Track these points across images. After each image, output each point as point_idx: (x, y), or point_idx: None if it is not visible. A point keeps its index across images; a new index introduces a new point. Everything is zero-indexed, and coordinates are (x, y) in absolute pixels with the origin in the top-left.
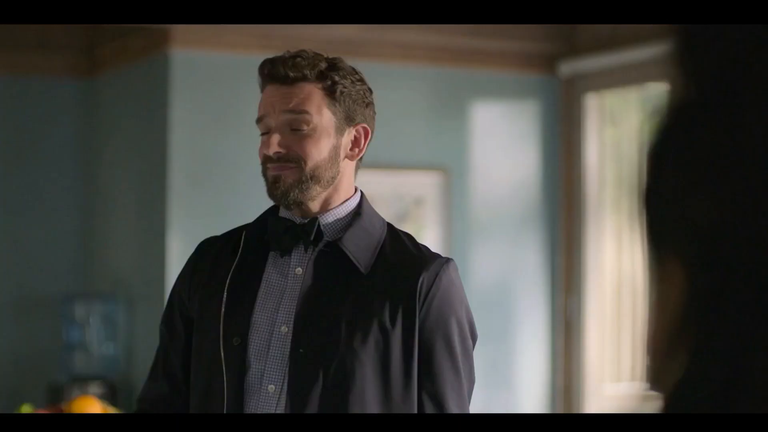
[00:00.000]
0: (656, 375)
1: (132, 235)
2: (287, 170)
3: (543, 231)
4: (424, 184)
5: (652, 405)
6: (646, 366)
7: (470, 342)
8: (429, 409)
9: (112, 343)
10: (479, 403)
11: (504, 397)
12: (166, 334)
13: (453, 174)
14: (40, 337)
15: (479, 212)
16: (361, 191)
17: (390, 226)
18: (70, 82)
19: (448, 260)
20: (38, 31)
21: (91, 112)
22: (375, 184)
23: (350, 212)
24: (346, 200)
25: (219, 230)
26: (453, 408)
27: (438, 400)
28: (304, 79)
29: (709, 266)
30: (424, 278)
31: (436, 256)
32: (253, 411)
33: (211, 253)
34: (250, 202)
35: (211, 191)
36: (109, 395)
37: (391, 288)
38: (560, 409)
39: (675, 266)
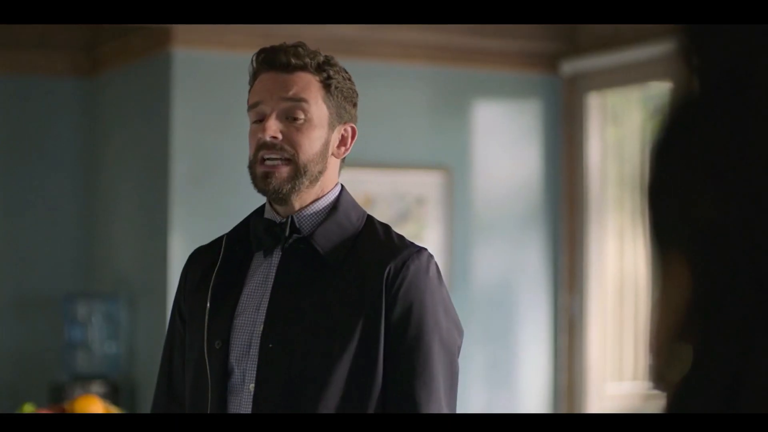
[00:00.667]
0: (659, 374)
1: (134, 235)
2: (281, 167)
3: (545, 230)
4: (425, 184)
5: (655, 404)
6: (649, 365)
7: (448, 334)
8: (395, 402)
9: (114, 343)
10: (480, 403)
11: (506, 396)
12: (169, 344)
13: (455, 173)
14: (42, 337)
15: (481, 211)
16: (342, 185)
17: (369, 218)
18: (72, 82)
19: (420, 249)
20: (40, 31)
21: (92, 111)
22: (376, 183)
23: (327, 207)
24: (324, 195)
25: (221, 230)
26: (422, 401)
27: (405, 393)
28: (304, 68)
29: (713, 264)
30: (391, 267)
31: (408, 245)
32: (235, 410)
33: (200, 261)
34: (252, 202)
35: (212, 190)
36: (111, 394)
37: (360, 280)
38: (562, 409)
39: (679, 264)
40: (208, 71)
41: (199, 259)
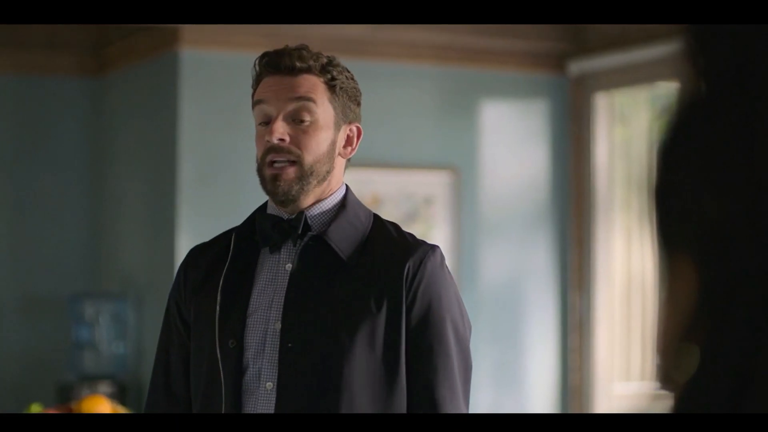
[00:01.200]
0: (666, 374)
1: (141, 234)
2: (288, 169)
3: (553, 230)
4: (433, 184)
5: (663, 404)
6: (657, 365)
7: (462, 327)
8: (419, 397)
9: (122, 343)
10: (488, 403)
11: (513, 396)
12: (165, 344)
13: (462, 173)
14: (50, 337)
15: (489, 211)
16: (347, 185)
17: (376, 216)
18: (79, 82)
19: (433, 247)
20: (47, 31)
21: (99, 111)
22: (384, 183)
23: (335, 205)
24: (332, 194)
25: (228, 228)
26: (445, 395)
27: (428, 387)
28: (309, 70)
29: (719, 263)
30: (409, 265)
31: (421, 242)
32: (251, 409)
33: (201, 259)
34: (259, 201)
35: (220, 190)
36: (119, 394)
37: (377, 277)
38: (570, 409)
39: (685, 263)
40: (215, 71)
41: (200, 256)
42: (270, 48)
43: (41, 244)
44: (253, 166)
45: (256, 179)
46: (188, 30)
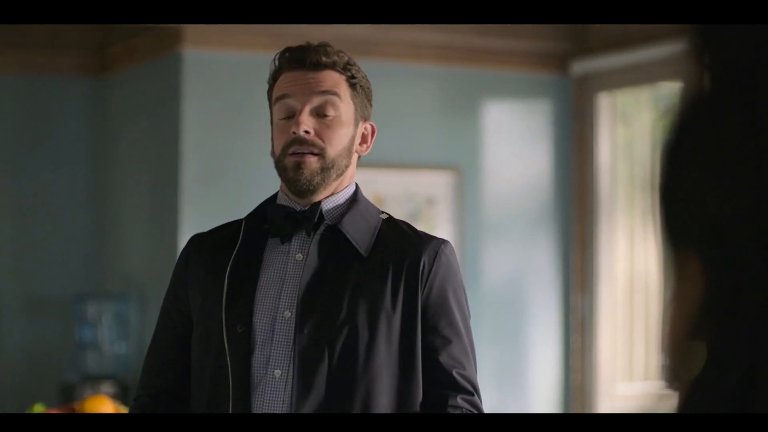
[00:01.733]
0: (672, 374)
1: (144, 235)
2: (311, 158)
3: (555, 230)
4: (436, 184)
5: (666, 404)
6: (662, 365)
7: (467, 316)
8: (448, 375)
9: (124, 343)
10: (490, 403)
11: (515, 396)
12: (163, 329)
13: (465, 173)
14: (52, 337)
15: (491, 211)
16: (356, 182)
17: (385, 213)
18: (82, 82)
19: (444, 241)
20: (50, 31)
21: (102, 111)
22: (387, 183)
23: (348, 199)
24: (345, 188)
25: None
26: (470, 370)
27: (454, 363)
28: (333, 66)
29: (725, 263)
30: (424, 259)
31: (433, 237)
32: (260, 398)
33: (205, 247)
34: (262, 200)
35: (222, 190)
36: (121, 395)
37: (392, 269)
38: (573, 409)
39: (691, 263)
40: (218, 71)
41: (204, 245)
42: (273, 48)
43: (44, 245)
44: (256, 166)
45: (259, 179)
46: (191, 30)
